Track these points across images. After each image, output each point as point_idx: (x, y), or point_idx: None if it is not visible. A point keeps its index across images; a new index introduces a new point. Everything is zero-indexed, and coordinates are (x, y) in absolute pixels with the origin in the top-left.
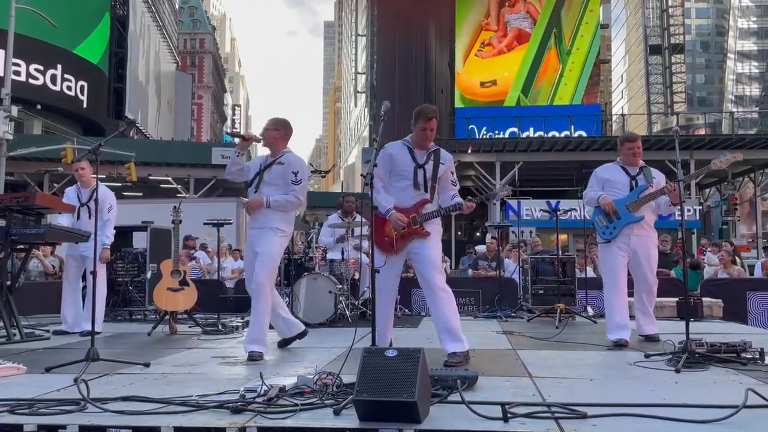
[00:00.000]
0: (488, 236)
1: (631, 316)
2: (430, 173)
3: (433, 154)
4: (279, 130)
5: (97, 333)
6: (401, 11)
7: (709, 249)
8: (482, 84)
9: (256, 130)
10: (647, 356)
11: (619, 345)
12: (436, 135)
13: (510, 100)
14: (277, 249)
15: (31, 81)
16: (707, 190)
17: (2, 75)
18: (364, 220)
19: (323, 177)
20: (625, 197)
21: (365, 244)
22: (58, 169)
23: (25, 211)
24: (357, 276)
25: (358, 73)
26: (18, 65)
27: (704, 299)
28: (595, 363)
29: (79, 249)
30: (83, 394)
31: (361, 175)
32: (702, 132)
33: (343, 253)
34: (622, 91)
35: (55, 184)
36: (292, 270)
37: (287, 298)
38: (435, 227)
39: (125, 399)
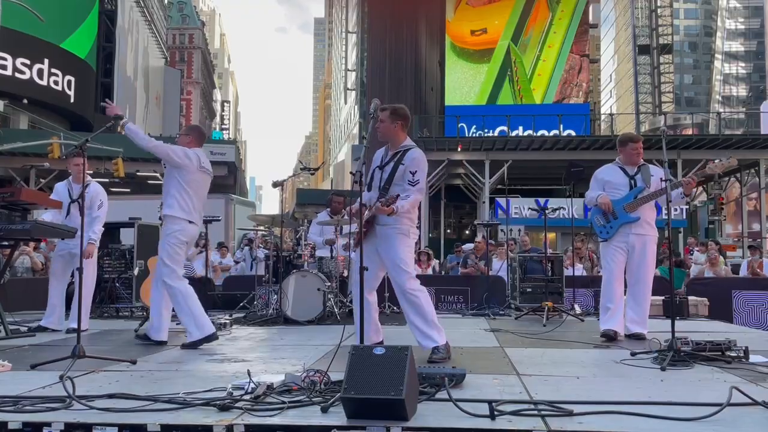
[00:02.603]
0: (479, 235)
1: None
2: (387, 174)
3: (399, 154)
4: None
5: (83, 330)
6: (391, 8)
7: (696, 248)
8: (472, 32)
9: (245, 126)
10: (633, 354)
11: (607, 336)
12: (426, 133)
13: (500, 48)
14: (163, 246)
15: (17, 75)
16: (694, 190)
17: None
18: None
19: (312, 174)
20: (623, 198)
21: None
22: (44, 164)
23: (11, 207)
24: (346, 273)
25: (348, 70)
26: (4, 59)
27: (690, 298)
28: (582, 361)
29: (68, 246)
30: (69, 392)
31: (351, 172)
32: (689, 132)
33: (332, 251)
34: (610, 91)
35: (41, 179)
36: (281, 267)
37: (276, 296)
38: (397, 227)
39: (111, 396)
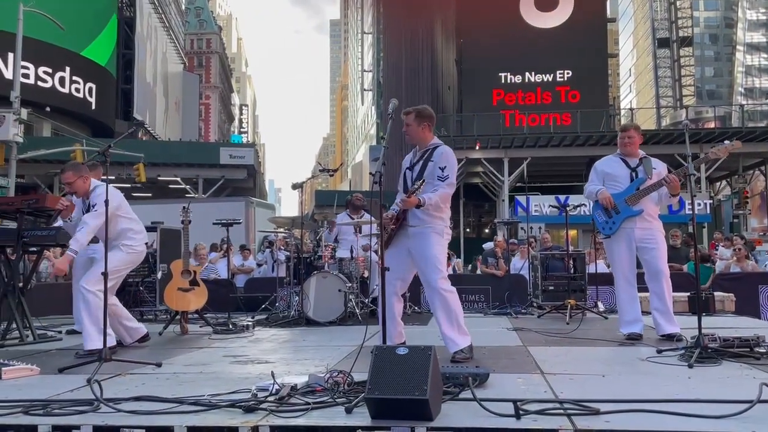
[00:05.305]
0: (499, 234)
1: (645, 312)
2: (416, 173)
3: (428, 152)
4: None
5: (109, 334)
6: (407, 9)
7: (722, 243)
8: None
9: (263, 129)
10: (659, 352)
11: (632, 338)
12: (443, 132)
13: None
14: (112, 259)
15: (39, 84)
16: (718, 184)
17: (12, 78)
18: (372, 218)
19: (331, 176)
20: (624, 191)
21: (373, 242)
22: None
23: (36, 213)
24: (366, 274)
25: (365, 71)
26: (27, 68)
27: (716, 294)
28: (607, 359)
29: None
30: (96, 395)
31: (370, 173)
32: (712, 125)
33: (352, 252)
34: (630, 85)
35: (64, 186)
36: (302, 269)
37: (297, 297)
38: (430, 227)
39: (138, 399)
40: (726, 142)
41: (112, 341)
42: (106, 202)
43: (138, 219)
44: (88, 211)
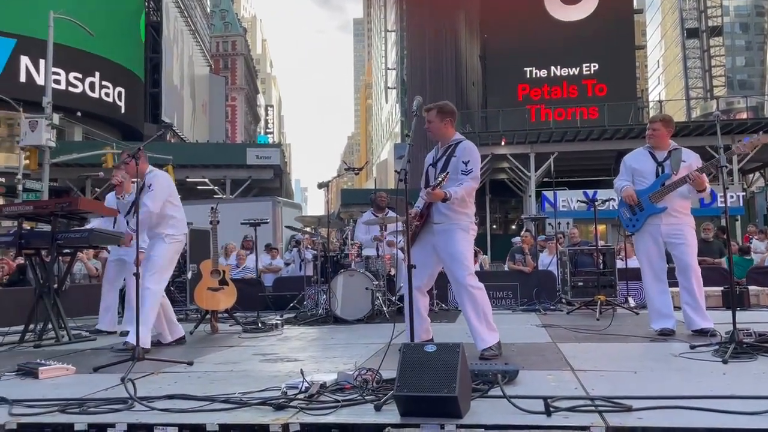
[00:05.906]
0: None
1: (676, 308)
2: (440, 170)
3: (451, 147)
4: None
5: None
6: (429, 5)
7: (756, 236)
8: None
9: (289, 129)
10: (692, 347)
11: (664, 334)
12: (468, 128)
13: None
14: (163, 253)
15: (70, 89)
16: (751, 176)
17: (43, 84)
18: (398, 216)
19: (356, 174)
20: (649, 187)
21: (399, 239)
22: (99, 174)
23: (69, 216)
24: (393, 272)
25: (389, 69)
26: (58, 74)
27: (750, 287)
28: (639, 355)
29: (119, 253)
30: (130, 393)
31: (396, 171)
32: (744, 116)
33: (378, 250)
34: (658, 77)
35: (96, 189)
36: (329, 267)
37: (324, 296)
38: (455, 223)
39: (170, 397)
40: (754, 135)
41: (147, 343)
42: (136, 205)
43: (181, 207)
44: (141, 191)
